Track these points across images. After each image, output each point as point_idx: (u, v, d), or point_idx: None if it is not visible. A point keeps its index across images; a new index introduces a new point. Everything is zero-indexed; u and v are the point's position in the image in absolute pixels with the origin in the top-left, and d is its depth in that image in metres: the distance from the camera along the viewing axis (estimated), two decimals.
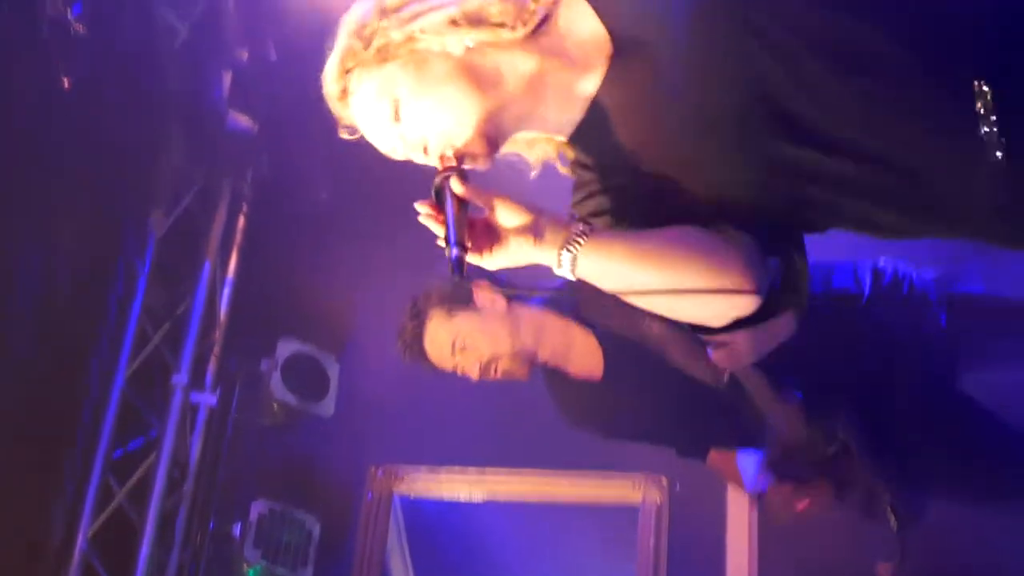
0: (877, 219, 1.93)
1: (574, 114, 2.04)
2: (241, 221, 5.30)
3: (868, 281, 3.34)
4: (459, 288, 3.30)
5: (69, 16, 3.43)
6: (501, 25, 1.96)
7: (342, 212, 5.28)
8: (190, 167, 5.07)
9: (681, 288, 1.94)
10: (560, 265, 1.92)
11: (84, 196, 4.43)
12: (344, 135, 2.11)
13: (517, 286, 3.29)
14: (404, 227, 2.05)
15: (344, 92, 2.03)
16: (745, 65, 1.86)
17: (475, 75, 1.97)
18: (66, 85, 3.37)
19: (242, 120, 5.01)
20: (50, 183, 4.14)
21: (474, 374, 3.36)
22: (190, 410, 4.95)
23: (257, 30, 5.18)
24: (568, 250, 1.90)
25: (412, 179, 2.09)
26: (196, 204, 5.18)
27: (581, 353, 3.40)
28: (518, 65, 1.99)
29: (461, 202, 1.94)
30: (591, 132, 2.05)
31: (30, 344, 4.28)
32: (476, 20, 1.96)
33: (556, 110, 2.04)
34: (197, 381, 4.98)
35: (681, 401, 3.35)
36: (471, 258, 1.92)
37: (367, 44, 1.97)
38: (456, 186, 1.93)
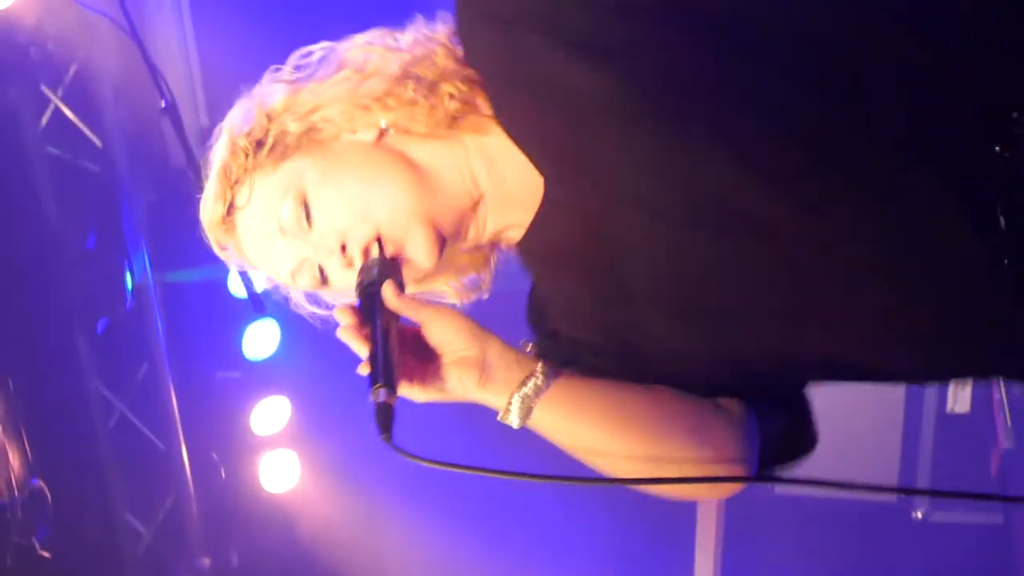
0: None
1: (523, 211, 1.65)
2: None
3: None
4: None
5: (34, 541, 3.50)
6: (414, 104, 1.60)
7: None
8: None
9: (655, 462, 1.59)
10: (508, 414, 1.57)
11: None
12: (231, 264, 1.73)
13: None
14: None
15: (230, 208, 1.64)
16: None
17: (396, 154, 1.61)
18: None
19: None
20: None
21: None
22: None
23: (220, 537, 5.25)
24: (523, 400, 1.56)
25: None
26: None
27: None
28: (444, 151, 1.62)
29: (393, 317, 1.54)
30: (543, 234, 1.65)
31: None
32: (385, 103, 1.60)
33: (499, 203, 1.65)
34: None
35: None
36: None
37: (258, 145, 1.62)
38: (389, 295, 1.53)
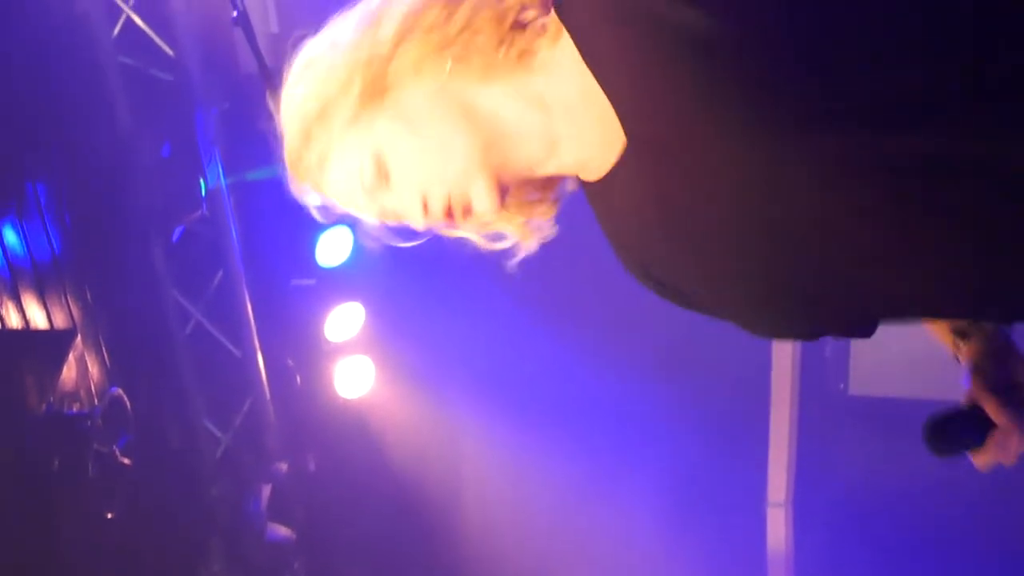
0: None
1: (599, 154, 1.60)
2: None
3: None
4: None
5: (115, 448, 3.57)
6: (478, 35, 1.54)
7: None
8: None
9: None
10: None
11: None
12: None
13: None
14: None
15: (320, 161, 1.63)
16: None
17: (463, 104, 1.56)
18: (109, 515, 3.48)
19: (280, 531, 5.07)
20: None
21: None
22: None
23: (296, 442, 5.33)
24: None
25: None
26: None
27: None
28: (514, 95, 1.57)
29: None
30: (618, 186, 1.61)
31: None
32: (448, 37, 1.54)
33: (574, 147, 1.59)
34: None
35: None
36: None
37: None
38: (997, 413, 1.69)
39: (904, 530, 5.09)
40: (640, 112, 1.50)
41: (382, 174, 1.60)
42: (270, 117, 1.70)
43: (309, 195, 1.71)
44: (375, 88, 1.57)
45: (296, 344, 5.27)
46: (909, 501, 5.11)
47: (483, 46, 1.54)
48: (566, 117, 1.57)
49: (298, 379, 5.32)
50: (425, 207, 1.60)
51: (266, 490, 5.07)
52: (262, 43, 3.77)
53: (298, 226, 4.91)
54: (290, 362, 5.30)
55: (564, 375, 5.35)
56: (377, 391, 5.35)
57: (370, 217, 1.68)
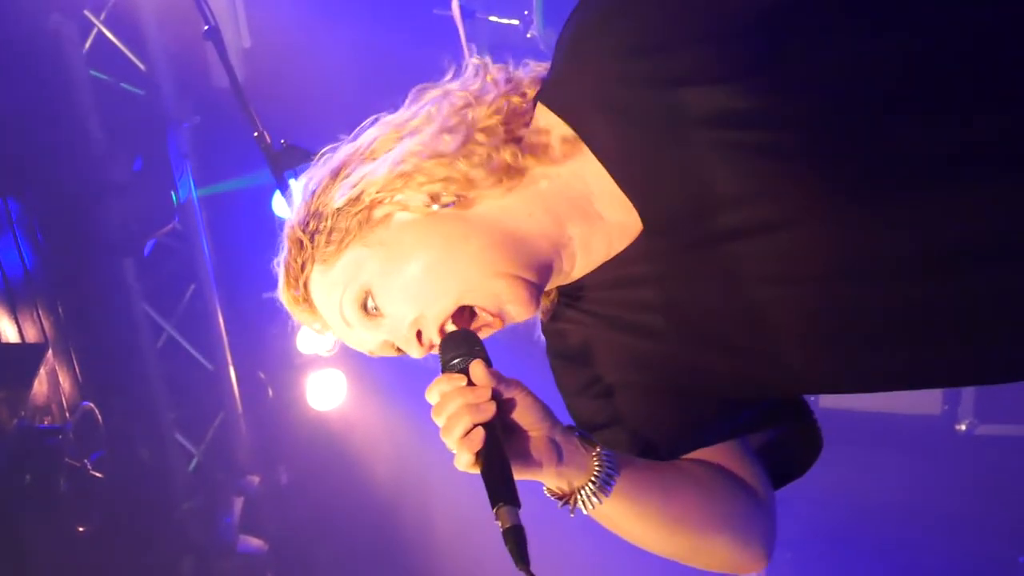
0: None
1: (605, 250, 1.58)
2: None
3: None
4: None
5: (86, 462, 3.56)
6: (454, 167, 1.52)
7: None
8: None
9: (689, 555, 1.64)
10: (575, 505, 1.51)
11: None
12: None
13: None
14: None
15: (304, 297, 1.65)
16: None
17: (455, 220, 1.53)
18: (81, 529, 3.47)
19: (253, 542, 5.08)
20: None
21: None
22: None
23: (268, 455, 5.33)
24: (592, 495, 1.49)
25: None
26: None
27: None
28: (513, 202, 1.54)
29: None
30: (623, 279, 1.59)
31: None
32: (429, 174, 1.52)
33: (586, 242, 1.57)
34: None
35: None
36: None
37: (312, 236, 1.58)
38: (480, 373, 1.46)
39: (873, 544, 5.12)
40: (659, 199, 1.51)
41: (372, 309, 1.57)
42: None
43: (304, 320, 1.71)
44: (358, 222, 1.55)
45: (268, 357, 5.28)
46: (878, 515, 5.15)
47: (479, 179, 1.52)
48: (582, 212, 1.55)
49: (270, 392, 5.33)
50: (419, 336, 1.56)
51: (238, 503, 5.07)
52: (234, 57, 3.78)
53: (269, 238, 4.91)
54: (262, 375, 5.31)
55: (536, 386, 5.36)
56: (349, 404, 5.36)
57: (364, 350, 1.66)
